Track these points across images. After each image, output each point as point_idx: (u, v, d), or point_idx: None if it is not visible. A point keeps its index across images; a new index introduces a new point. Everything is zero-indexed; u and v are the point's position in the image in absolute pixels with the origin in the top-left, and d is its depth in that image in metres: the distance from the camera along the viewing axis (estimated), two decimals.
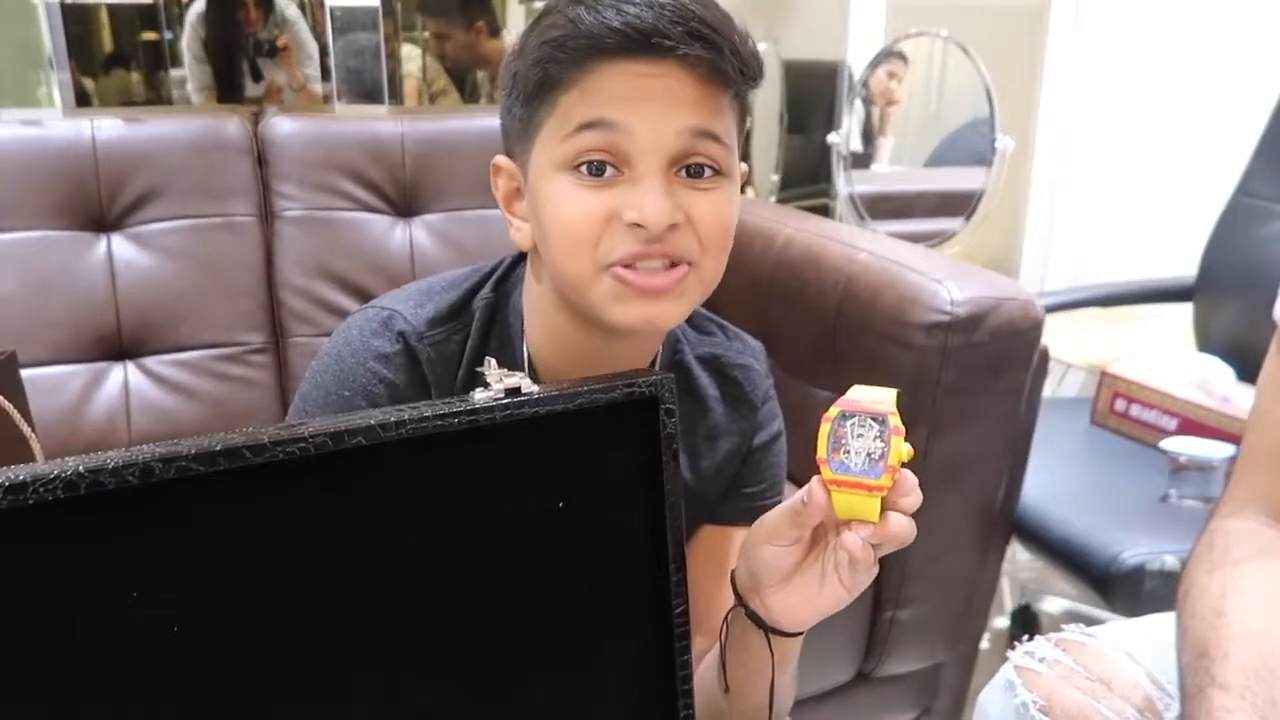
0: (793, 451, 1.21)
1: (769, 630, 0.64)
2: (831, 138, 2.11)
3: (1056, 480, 1.45)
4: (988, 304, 1.15)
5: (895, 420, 0.56)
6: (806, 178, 2.34)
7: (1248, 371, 1.51)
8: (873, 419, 0.56)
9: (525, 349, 0.74)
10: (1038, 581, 1.92)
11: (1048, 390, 1.33)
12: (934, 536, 1.22)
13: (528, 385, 0.58)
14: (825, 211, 2.20)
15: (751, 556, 0.63)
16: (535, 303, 0.74)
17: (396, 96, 2.05)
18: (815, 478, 0.58)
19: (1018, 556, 1.79)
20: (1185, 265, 1.78)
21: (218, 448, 0.49)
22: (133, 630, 0.50)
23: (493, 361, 0.60)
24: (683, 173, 0.65)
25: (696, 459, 0.79)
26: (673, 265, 0.65)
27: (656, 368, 0.75)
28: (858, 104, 2.22)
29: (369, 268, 1.50)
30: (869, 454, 0.56)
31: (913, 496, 0.58)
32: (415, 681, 0.59)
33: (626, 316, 0.65)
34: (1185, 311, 1.79)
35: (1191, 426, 1.51)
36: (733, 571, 0.67)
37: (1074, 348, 1.88)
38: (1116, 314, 1.91)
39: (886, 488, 0.56)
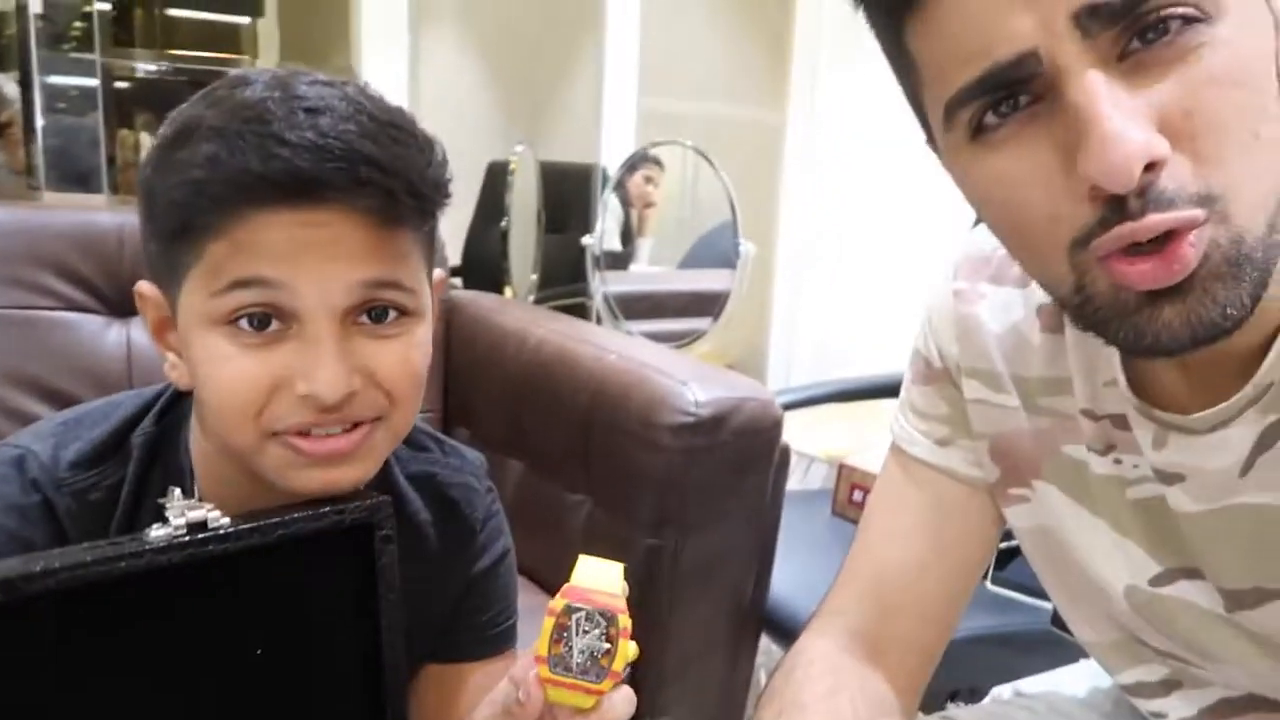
0: (543, 557, 1.18)
1: None
2: (585, 240, 2.15)
3: (802, 572, 1.48)
4: (729, 404, 1.17)
5: (624, 620, 0.53)
6: (566, 277, 2.36)
7: None
8: (601, 615, 0.53)
9: (198, 493, 0.63)
10: None
11: (794, 483, 1.37)
12: (688, 639, 1.21)
13: (216, 518, 0.52)
14: (582, 311, 2.22)
15: None
16: (203, 452, 0.64)
17: (123, 189, 1.90)
18: (533, 673, 0.53)
19: (772, 648, 1.82)
20: None
21: None
22: None
23: (177, 491, 0.53)
24: (364, 317, 0.57)
25: (410, 591, 0.72)
26: (355, 425, 0.57)
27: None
28: (617, 205, 2.28)
29: (78, 374, 1.35)
30: (593, 653, 0.52)
31: (625, 709, 0.53)
32: None
33: (303, 483, 0.57)
34: None
35: None
36: None
37: (816, 441, 1.96)
38: (856, 408, 2.02)
39: (605, 691, 0.53)
